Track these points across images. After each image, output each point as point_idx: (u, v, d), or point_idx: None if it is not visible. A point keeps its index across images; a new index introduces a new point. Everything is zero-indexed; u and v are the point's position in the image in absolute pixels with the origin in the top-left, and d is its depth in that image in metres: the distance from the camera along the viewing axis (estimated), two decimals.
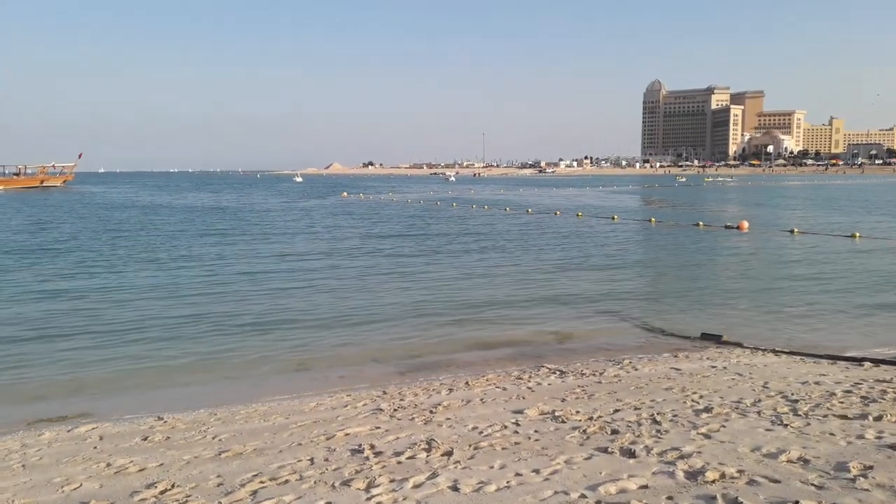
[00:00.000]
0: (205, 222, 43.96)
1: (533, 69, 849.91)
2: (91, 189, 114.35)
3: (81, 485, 6.13)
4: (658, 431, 6.79)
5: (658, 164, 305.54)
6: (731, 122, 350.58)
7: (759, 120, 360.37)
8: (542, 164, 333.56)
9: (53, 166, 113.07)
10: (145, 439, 7.61)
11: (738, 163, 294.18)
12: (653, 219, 43.07)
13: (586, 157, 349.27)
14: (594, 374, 9.96)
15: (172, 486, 5.94)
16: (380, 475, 5.87)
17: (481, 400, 8.61)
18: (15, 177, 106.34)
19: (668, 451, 6.14)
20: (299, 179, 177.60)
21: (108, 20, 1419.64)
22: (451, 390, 9.34)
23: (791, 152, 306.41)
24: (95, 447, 7.41)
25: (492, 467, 5.94)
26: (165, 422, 8.43)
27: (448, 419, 7.70)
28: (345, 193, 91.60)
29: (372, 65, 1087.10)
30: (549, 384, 9.43)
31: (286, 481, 5.86)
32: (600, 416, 7.48)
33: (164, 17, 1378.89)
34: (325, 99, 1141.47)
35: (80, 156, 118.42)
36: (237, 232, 36.68)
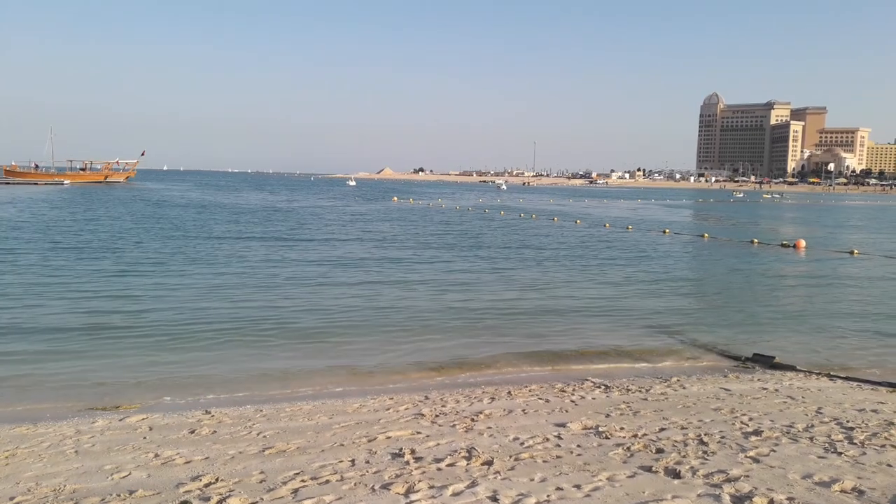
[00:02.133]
0: (262, 224, 44.54)
1: (587, 79, 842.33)
2: (150, 186, 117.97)
3: (130, 473, 6.30)
4: (705, 452, 6.63)
5: (714, 179, 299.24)
6: (791, 137, 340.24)
7: (821, 137, 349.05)
8: (594, 174, 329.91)
9: (117, 163, 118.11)
10: (192, 432, 7.78)
11: (797, 180, 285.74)
12: (706, 234, 42.18)
13: (639, 169, 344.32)
14: (640, 391, 9.79)
15: (216, 479, 6.06)
16: (419, 481, 5.87)
17: (523, 411, 8.55)
18: (81, 171, 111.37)
19: (715, 473, 5.99)
20: (352, 183, 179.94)
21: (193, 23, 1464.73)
22: (493, 399, 9.30)
23: (853, 171, 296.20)
24: (145, 437, 7.62)
25: (532, 480, 5.88)
26: (213, 416, 8.62)
27: (489, 428, 7.67)
28: (395, 198, 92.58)
29: (424, 71, 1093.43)
30: (593, 398, 9.31)
31: (327, 481, 5.92)
32: (645, 434, 7.34)
33: (219, 24, 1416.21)
34: (378, 105, 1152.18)
35: (142, 154, 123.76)
36: (294, 236, 36.68)
